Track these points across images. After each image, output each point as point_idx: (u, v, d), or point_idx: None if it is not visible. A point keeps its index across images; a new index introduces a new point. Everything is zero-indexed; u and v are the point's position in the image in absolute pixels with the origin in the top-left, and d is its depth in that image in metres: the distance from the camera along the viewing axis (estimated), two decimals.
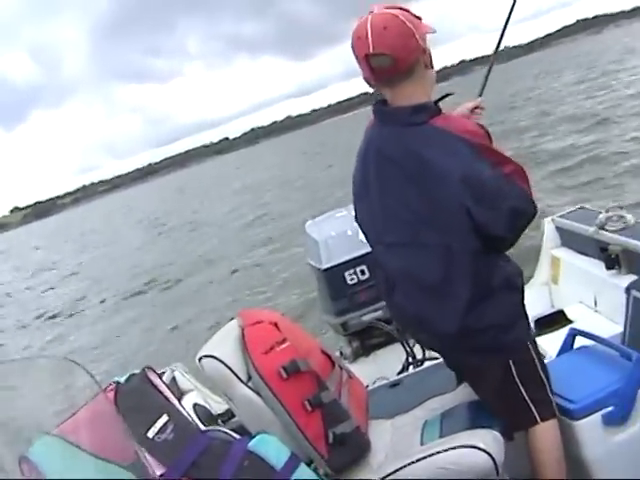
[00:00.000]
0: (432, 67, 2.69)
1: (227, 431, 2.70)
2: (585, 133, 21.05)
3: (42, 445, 2.14)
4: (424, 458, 2.72)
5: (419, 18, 2.61)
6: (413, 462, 2.73)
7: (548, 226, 5.31)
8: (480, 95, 3.36)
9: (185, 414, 2.63)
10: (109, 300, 20.84)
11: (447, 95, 2.83)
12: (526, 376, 2.77)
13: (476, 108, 3.22)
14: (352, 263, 4.94)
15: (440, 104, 2.71)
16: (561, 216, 5.22)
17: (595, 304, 4.58)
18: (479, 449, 2.64)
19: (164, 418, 2.42)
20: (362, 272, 4.93)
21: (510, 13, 3.48)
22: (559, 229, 5.23)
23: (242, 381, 2.84)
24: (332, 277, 5.03)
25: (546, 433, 2.79)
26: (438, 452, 2.72)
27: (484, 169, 2.49)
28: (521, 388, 2.75)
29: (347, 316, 5.09)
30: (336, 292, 5.05)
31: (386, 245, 2.78)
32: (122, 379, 2.55)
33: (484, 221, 2.50)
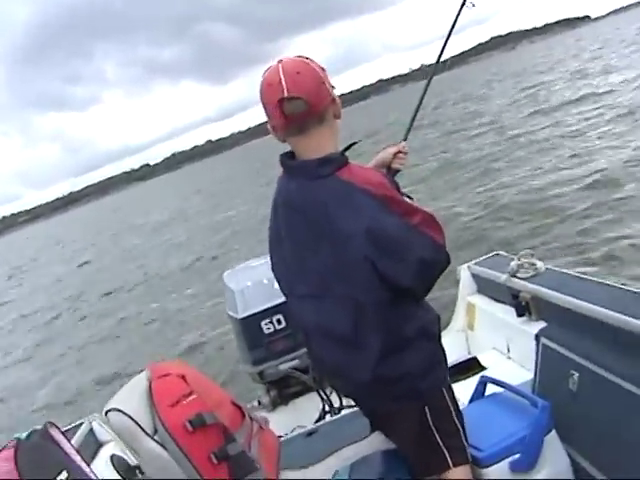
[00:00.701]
0: (340, 117, 2.71)
1: None
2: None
3: None
4: None
5: (324, 69, 2.63)
6: None
7: (464, 273, 5.40)
8: (405, 139, 3.35)
9: (87, 470, 2.59)
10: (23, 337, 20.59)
11: (353, 144, 2.83)
12: (441, 422, 2.78)
13: (399, 152, 3.22)
14: (268, 312, 4.96)
15: (360, 148, 2.74)
16: (477, 263, 5.31)
17: (508, 350, 4.66)
18: None
19: (63, 475, 2.38)
20: (278, 321, 4.95)
21: (447, 38, 3.52)
22: (475, 276, 5.32)
23: (148, 435, 2.80)
24: (249, 326, 5.05)
25: (458, 478, 2.81)
26: None
27: (390, 221, 2.49)
28: (435, 434, 2.76)
29: (264, 365, 5.11)
30: (253, 341, 5.07)
31: (298, 296, 2.78)
32: (23, 435, 2.50)
33: (391, 274, 2.50)
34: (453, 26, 3.57)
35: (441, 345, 2.81)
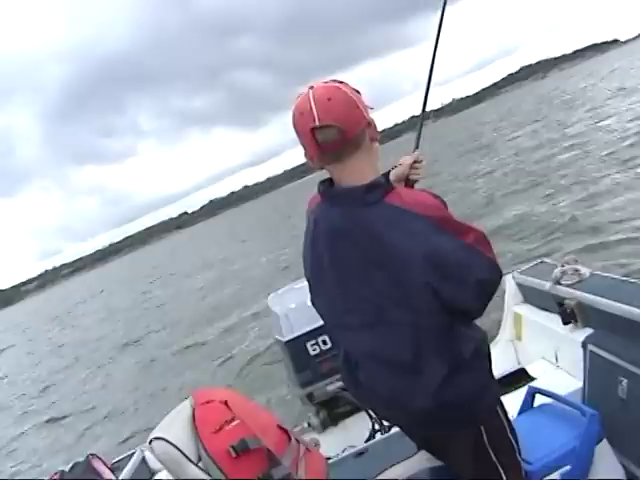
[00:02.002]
0: (377, 140, 2.62)
1: None
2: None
3: None
4: None
5: (358, 92, 2.57)
6: None
7: (509, 283, 5.34)
8: (416, 148, 3.23)
9: None
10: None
11: (394, 168, 2.78)
12: (497, 441, 2.71)
13: (415, 162, 3.11)
14: (313, 334, 4.96)
15: (380, 162, 2.67)
16: (521, 272, 5.25)
17: (556, 360, 4.59)
18: None
19: None
20: (324, 342, 4.95)
21: (432, 66, 3.40)
22: (520, 285, 5.26)
23: (192, 462, 2.81)
24: (294, 349, 5.05)
25: None
26: None
27: (446, 243, 2.40)
28: (491, 452, 2.69)
29: (312, 387, 5.11)
30: (299, 364, 5.07)
31: (346, 327, 2.70)
32: (67, 468, 2.53)
33: (452, 297, 2.43)
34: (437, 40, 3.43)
35: (490, 362, 2.73)
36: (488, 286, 2.51)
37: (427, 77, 3.35)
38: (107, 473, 2.60)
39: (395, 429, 4.40)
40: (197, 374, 14.94)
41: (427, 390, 2.55)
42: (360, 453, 4.02)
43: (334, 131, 2.44)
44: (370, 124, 2.57)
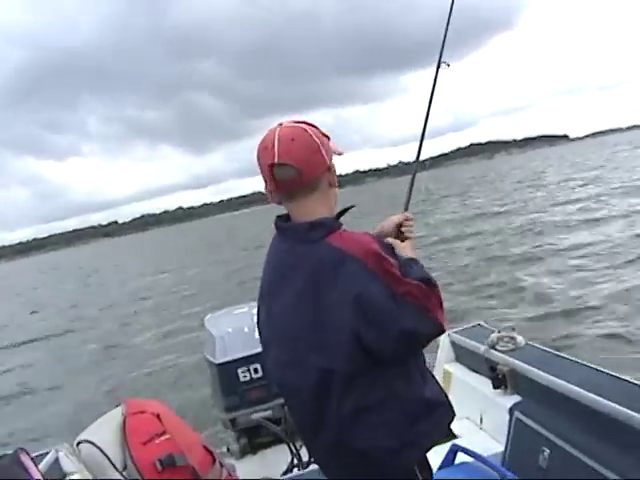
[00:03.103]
0: (336, 186, 2.65)
1: None
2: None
3: None
4: None
5: (327, 137, 2.59)
6: None
7: (444, 340, 5.40)
8: (406, 209, 3.18)
9: None
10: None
11: (349, 208, 2.78)
12: None
13: (406, 220, 3.05)
14: (246, 361, 4.95)
15: (349, 218, 2.67)
16: (457, 331, 5.32)
17: (481, 421, 4.66)
18: None
19: None
20: (255, 370, 4.95)
21: (423, 133, 3.42)
22: (454, 344, 5.33)
23: (117, 469, 2.80)
24: (225, 373, 5.04)
25: None
26: None
27: (375, 288, 2.38)
28: None
29: (237, 413, 5.09)
30: (228, 388, 5.06)
31: (271, 356, 2.67)
32: None
33: (374, 344, 2.38)
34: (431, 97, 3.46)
35: (428, 426, 2.57)
36: (413, 337, 2.45)
37: (419, 142, 3.40)
38: (34, 470, 2.57)
39: (313, 466, 4.41)
40: (111, 379, 14.86)
41: (331, 429, 2.50)
42: None
43: (292, 171, 2.46)
44: (330, 169, 2.58)
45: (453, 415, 2.67)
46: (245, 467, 4.80)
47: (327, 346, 2.42)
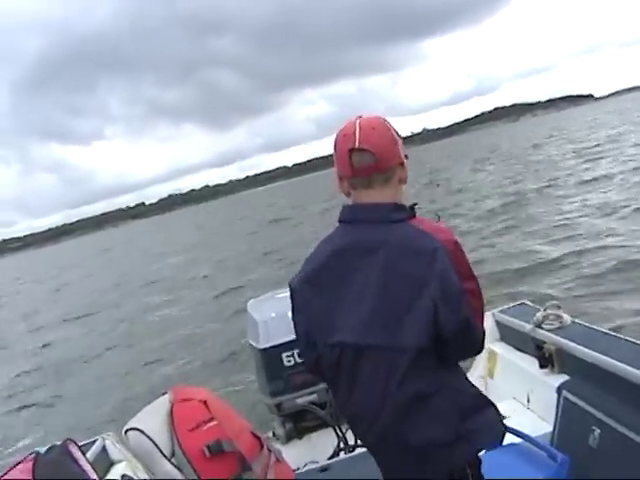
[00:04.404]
0: (405, 183, 2.71)
1: None
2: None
3: None
4: None
5: (400, 137, 2.69)
6: None
7: (488, 320, 5.35)
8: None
9: None
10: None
11: (415, 204, 2.81)
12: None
13: None
14: (290, 345, 4.94)
15: None
16: (501, 311, 5.27)
17: (528, 401, 4.62)
18: None
19: None
20: (300, 355, 4.93)
21: None
22: (498, 324, 5.28)
23: (165, 457, 2.82)
24: (269, 358, 5.03)
25: None
26: None
27: (454, 275, 2.46)
28: None
29: (282, 397, 5.09)
30: (272, 373, 5.05)
31: (337, 342, 2.62)
32: (43, 450, 2.51)
33: (443, 320, 2.44)
34: None
35: (480, 424, 2.61)
36: (471, 331, 2.54)
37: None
38: (83, 460, 2.59)
39: (359, 450, 4.41)
40: (156, 364, 15.01)
41: (386, 415, 2.53)
42: (324, 469, 4.03)
43: (370, 158, 2.55)
44: (403, 165, 2.67)
45: (502, 418, 2.70)
46: (291, 451, 4.80)
47: (406, 323, 2.46)
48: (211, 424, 2.91)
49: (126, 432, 2.87)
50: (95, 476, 2.61)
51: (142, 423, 2.89)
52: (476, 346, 2.66)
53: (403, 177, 2.70)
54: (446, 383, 2.56)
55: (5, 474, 2.40)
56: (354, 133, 2.57)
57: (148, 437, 2.82)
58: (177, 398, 3.03)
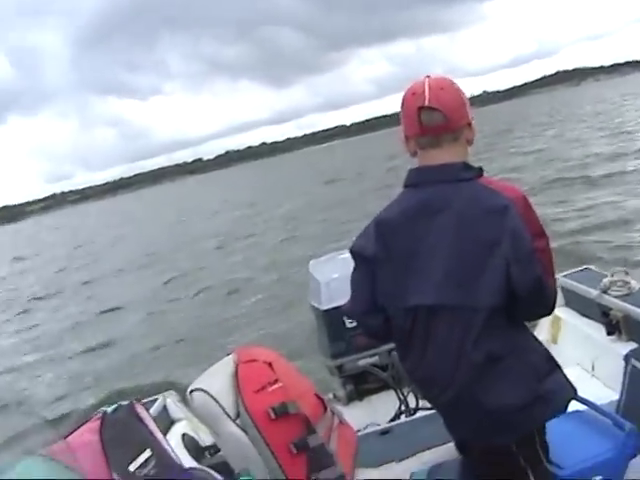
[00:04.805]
0: (472, 144, 2.72)
1: (210, 472, 2.67)
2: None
3: (29, 464, 2.15)
4: None
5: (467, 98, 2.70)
6: None
7: None
8: None
9: (170, 451, 2.59)
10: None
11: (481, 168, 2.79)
12: (526, 450, 2.64)
13: None
14: None
15: None
16: (566, 276, 5.18)
17: (592, 368, 4.54)
18: None
19: (147, 453, 2.38)
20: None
21: None
22: (563, 289, 5.19)
23: (230, 418, 2.84)
24: (331, 319, 5.01)
25: None
26: None
27: (526, 233, 2.47)
28: (520, 459, 2.62)
29: (344, 359, 5.07)
30: (334, 334, 5.04)
31: (414, 306, 2.62)
32: (109, 409, 2.52)
33: (516, 278, 2.46)
34: None
35: (555, 384, 2.64)
36: (540, 291, 2.53)
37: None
38: (149, 420, 2.60)
39: (420, 413, 4.39)
40: (220, 324, 15.00)
41: (463, 376, 2.53)
42: (384, 432, 4.01)
43: (439, 115, 2.56)
44: (471, 126, 2.68)
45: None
46: (351, 413, 4.79)
47: (479, 283, 2.49)
48: (276, 386, 2.91)
49: (191, 392, 2.89)
50: (161, 436, 2.62)
51: (207, 384, 2.90)
52: (548, 306, 2.66)
53: (470, 138, 2.69)
54: (518, 343, 2.59)
55: (73, 432, 2.42)
56: (423, 92, 2.56)
57: (213, 398, 2.83)
58: (242, 359, 3.03)
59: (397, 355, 2.87)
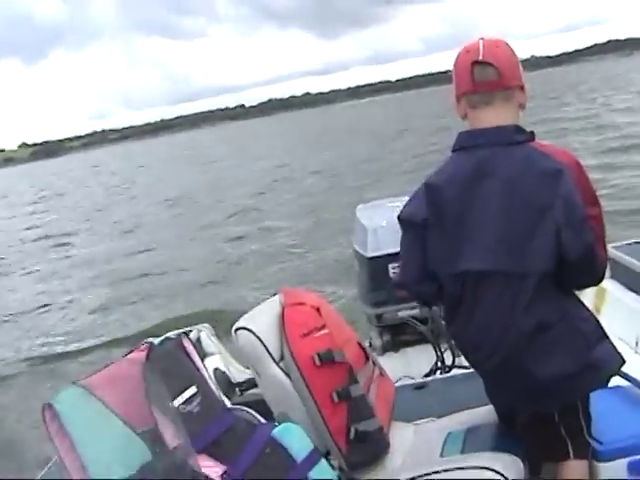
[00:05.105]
0: (524, 108, 2.68)
1: (253, 413, 2.65)
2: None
3: (67, 395, 2.14)
4: (441, 472, 2.66)
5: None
6: (429, 474, 2.67)
7: None
8: None
9: (214, 388, 2.57)
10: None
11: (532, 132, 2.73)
12: (568, 419, 2.66)
13: None
14: (398, 256, 4.87)
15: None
16: (615, 247, 5.09)
17: (636, 344, 4.47)
18: (498, 473, 2.57)
19: (193, 389, 2.36)
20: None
21: None
22: (611, 260, 5.10)
23: (274, 360, 2.82)
24: (375, 267, 4.97)
25: (574, 471, 2.67)
26: (456, 468, 2.66)
27: (579, 199, 2.44)
28: (561, 428, 2.64)
29: (383, 308, 5.04)
30: (377, 283, 5.00)
31: (477, 272, 2.59)
32: (157, 341, 2.50)
33: (567, 244, 2.43)
34: None
35: (604, 352, 2.63)
36: (592, 257, 2.50)
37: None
38: (196, 356, 2.57)
39: (455, 371, 4.36)
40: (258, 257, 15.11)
41: (514, 340, 2.52)
42: (420, 386, 3.98)
43: (493, 71, 2.55)
44: (523, 89, 2.66)
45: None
46: (385, 363, 4.76)
47: (530, 247, 2.47)
48: (323, 332, 2.88)
49: (236, 331, 2.86)
50: (207, 373, 2.59)
51: (253, 323, 2.87)
52: (597, 275, 2.65)
53: (522, 102, 2.67)
54: (569, 311, 2.58)
55: (118, 361, 2.40)
56: (478, 48, 2.56)
57: (258, 338, 2.81)
58: (289, 301, 3.00)
59: (444, 318, 2.87)
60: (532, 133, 2.59)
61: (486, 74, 2.55)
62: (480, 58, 2.54)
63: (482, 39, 2.61)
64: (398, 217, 2.85)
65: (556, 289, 2.53)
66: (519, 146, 2.54)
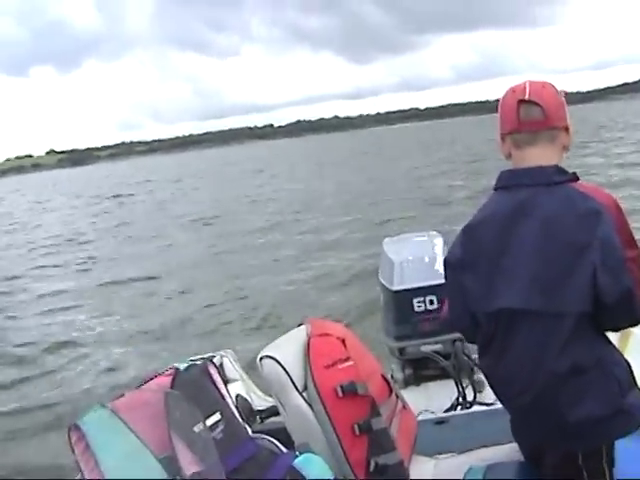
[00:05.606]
0: (567, 150, 2.71)
1: (274, 441, 2.66)
2: None
3: (94, 416, 2.16)
4: None
5: None
6: None
7: None
8: None
9: (237, 416, 2.59)
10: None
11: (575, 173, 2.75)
12: (591, 463, 2.59)
13: None
14: (423, 291, 4.87)
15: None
16: None
17: None
18: None
19: (216, 416, 2.37)
20: (431, 302, 4.87)
21: None
22: None
23: (297, 390, 2.84)
24: (400, 300, 4.97)
25: None
26: None
27: (617, 241, 2.43)
28: (584, 471, 2.58)
29: (407, 342, 5.04)
30: (401, 316, 5.00)
31: (510, 311, 2.57)
32: (182, 366, 2.52)
33: (603, 286, 2.40)
34: None
35: (636, 399, 2.58)
36: (630, 301, 2.46)
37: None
38: (221, 384, 2.59)
39: (476, 407, 4.34)
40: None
41: (548, 382, 2.49)
42: (441, 421, 3.97)
43: (538, 110, 2.58)
44: (568, 131, 2.68)
45: None
46: (407, 397, 4.77)
47: (567, 287, 2.44)
48: (347, 364, 2.90)
49: (261, 359, 2.89)
50: (230, 401, 2.61)
51: (277, 352, 2.90)
52: (635, 317, 2.58)
53: (567, 144, 2.69)
54: (604, 356, 2.54)
55: (143, 384, 2.43)
56: (524, 88, 2.60)
57: (283, 367, 2.83)
58: (315, 332, 3.02)
59: (477, 353, 2.85)
60: (574, 174, 2.59)
61: (531, 113, 2.58)
62: (526, 97, 2.58)
63: (528, 80, 2.65)
64: (443, 260, 2.88)
65: (592, 331, 2.51)
66: (560, 186, 2.54)
